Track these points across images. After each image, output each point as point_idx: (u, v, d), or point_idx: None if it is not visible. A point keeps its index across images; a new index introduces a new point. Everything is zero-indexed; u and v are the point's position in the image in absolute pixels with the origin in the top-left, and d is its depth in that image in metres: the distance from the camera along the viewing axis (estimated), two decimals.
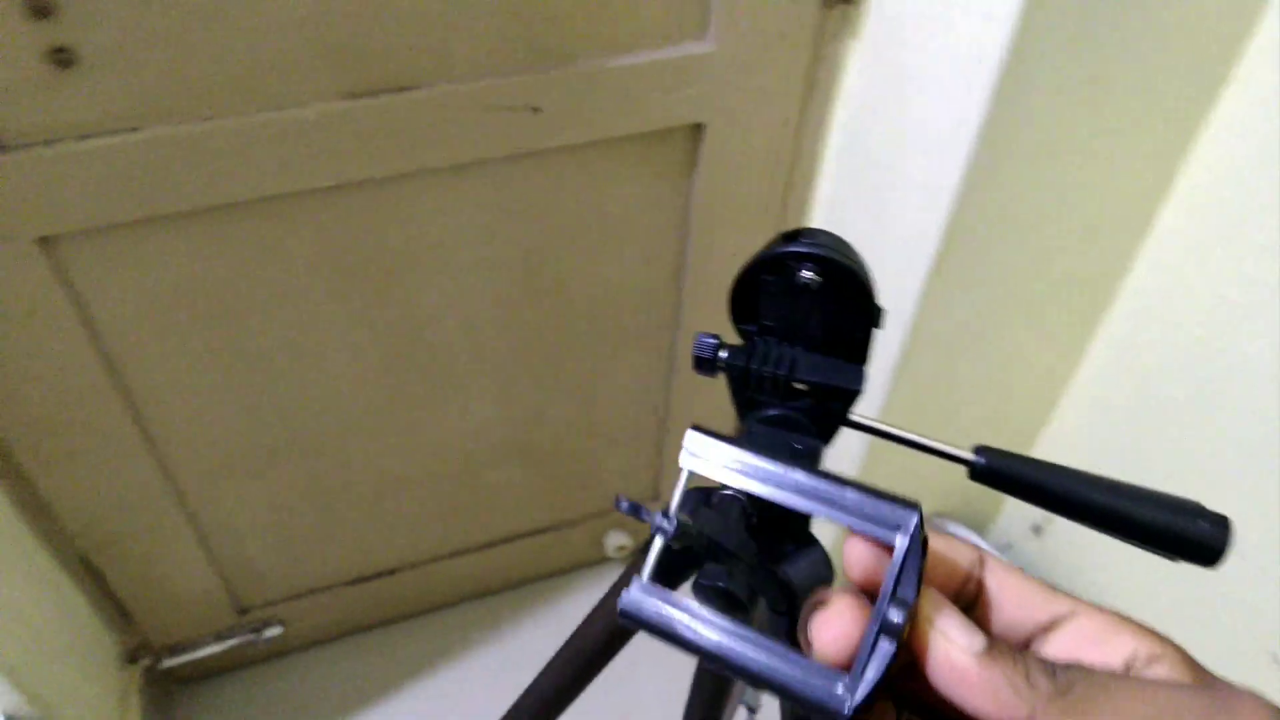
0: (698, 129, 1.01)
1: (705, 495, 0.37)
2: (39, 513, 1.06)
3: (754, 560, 0.36)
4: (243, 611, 1.35)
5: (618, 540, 1.51)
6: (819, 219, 1.13)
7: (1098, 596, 1.23)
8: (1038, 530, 1.33)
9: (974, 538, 1.31)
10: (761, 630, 0.32)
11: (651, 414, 1.37)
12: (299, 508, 1.24)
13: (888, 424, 0.39)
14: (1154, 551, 0.38)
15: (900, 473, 1.22)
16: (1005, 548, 1.39)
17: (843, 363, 0.38)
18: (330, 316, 1.03)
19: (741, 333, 0.40)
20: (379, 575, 1.40)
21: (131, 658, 1.31)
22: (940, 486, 1.31)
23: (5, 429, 0.97)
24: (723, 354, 0.39)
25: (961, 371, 1.13)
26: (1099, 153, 0.94)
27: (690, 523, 0.34)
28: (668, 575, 0.41)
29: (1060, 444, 1.26)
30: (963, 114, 0.85)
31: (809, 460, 0.38)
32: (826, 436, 0.39)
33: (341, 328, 1.05)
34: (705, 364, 0.39)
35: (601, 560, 1.56)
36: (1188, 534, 0.37)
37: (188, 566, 1.22)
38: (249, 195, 0.88)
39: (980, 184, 0.89)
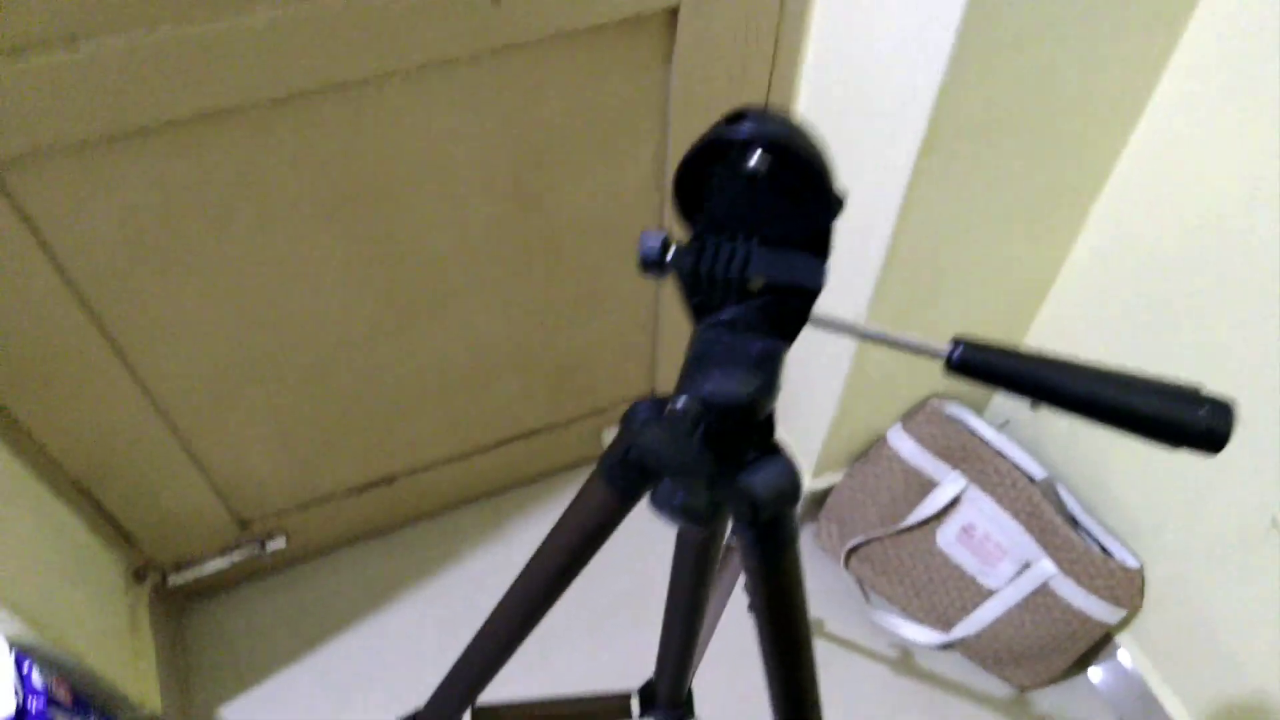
0: (672, 14, 0.95)
1: (658, 406, 0.35)
2: (23, 441, 1.05)
3: (711, 472, 0.33)
4: (244, 525, 1.35)
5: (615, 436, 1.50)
6: (804, 107, 1.07)
7: (1096, 465, 1.23)
8: (1035, 405, 1.31)
9: (972, 418, 1.30)
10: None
11: (645, 317, 1.35)
12: (295, 425, 1.22)
13: (856, 323, 0.36)
14: (1151, 441, 0.35)
15: (892, 357, 1.20)
16: (1004, 425, 1.38)
17: (802, 256, 0.35)
18: (316, 232, 0.99)
19: (692, 231, 0.36)
20: (379, 483, 1.40)
21: (138, 577, 1.32)
22: (937, 371, 1.28)
23: None
24: (670, 253, 0.35)
25: (949, 265, 1.08)
26: (1090, 34, 0.87)
27: (642, 440, 0.31)
28: (628, 490, 0.39)
29: (1053, 336, 1.23)
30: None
31: (769, 364, 0.35)
32: (789, 336, 0.36)
33: (331, 242, 1.01)
34: (652, 265, 0.35)
35: (599, 456, 1.56)
36: (1186, 423, 0.34)
37: (183, 486, 1.22)
38: (206, 107, 0.82)
39: (967, 67, 0.83)
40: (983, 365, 0.35)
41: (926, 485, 1.32)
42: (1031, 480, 1.25)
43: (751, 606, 0.44)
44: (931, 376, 1.30)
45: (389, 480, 1.40)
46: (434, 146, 0.96)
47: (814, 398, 1.30)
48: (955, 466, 1.29)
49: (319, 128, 0.90)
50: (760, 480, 0.36)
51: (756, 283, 0.35)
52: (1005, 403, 1.37)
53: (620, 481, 0.39)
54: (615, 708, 0.67)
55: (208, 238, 0.94)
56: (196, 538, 1.32)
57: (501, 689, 0.71)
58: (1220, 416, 0.33)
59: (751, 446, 0.36)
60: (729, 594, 0.69)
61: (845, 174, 1.01)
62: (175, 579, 1.35)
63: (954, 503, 1.30)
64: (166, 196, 0.89)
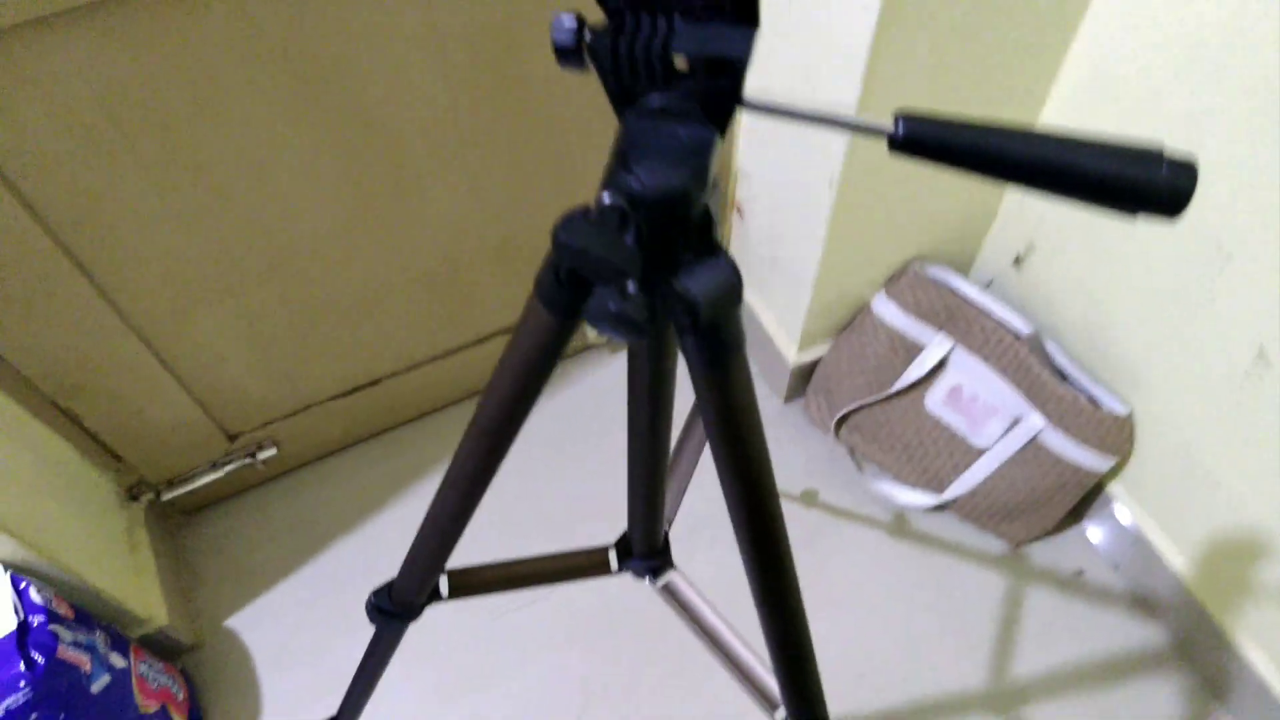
0: None
1: (586, 213, 0.33)
2: None
3: (644, 275, 0.31)
4: (232, 438, 1.34)
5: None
6: None
7: (1083, 316, 1.21)
8: (1018, 262, 1.29)
9: (955, 279, 1.28)
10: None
11: None
12: (271, 330, 1.20)
13: (790, 103, 0.33)
14: (1112, 209, 0.33)
15: (873, 218, 1.17)
16: (987, 284, 1.36)
17: (727, 28, 0.32)
18: (271, 118, 0.95)
19: (607, 9, 0.33)
20: (364, 386, 1.39)
21: (131, 495, 1.32)
22: (919, 228, 1.26)
23: None
24: (587, 36, 0.33)
25: (948, 56, 1.04)
26: None
27: (571, 245, 0.29)
28: (565, 308, 0.37)
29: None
30: None
31: (699, 152, 0.33)
32: (720, 121, 0.33)
33: (287, 130, 0.97)
34: (569, 53, 0.33)
35: (585, 348, 1.54)
36: (1147, 183, 0.32)
37: (164, 400, 1.21)
38: None
39: None
40: (930, 139, 0.32)
41: (913, 349, 1.31)
42: (1018, 337, 1.24)
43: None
44: (912, 238, 1.27)
45: (373, 383, 1.39)
46: (387, 12, 0.92)
47: (793, 270, 1.28)
48: (940, 329, 1.28)
49: (262, 4, 0.85)
50: (698, 281, 0.34)
51: (680, 61, 0.32)
52: (989, 261, 1.35)
53: (556, 299, 0.37)
54: (593, 562, 0.67)
55: (155, 132, 0.90)
56: (186, 453, 1.32)
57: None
58: (1182, 175, 0.31)
59: (687, 247, 0.34)
60: (701, 447, 0.68)
61: None
62: (169, 495, 1.35)
63: (941, 365, 1.29)
64: (104, 88, 0.85)
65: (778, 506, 0.44)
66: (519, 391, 0.41)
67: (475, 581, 0.65)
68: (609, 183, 0.32)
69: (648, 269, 0.32)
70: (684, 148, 0.32)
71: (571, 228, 0.30)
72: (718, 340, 0.36)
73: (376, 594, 0.61)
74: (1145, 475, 1.24)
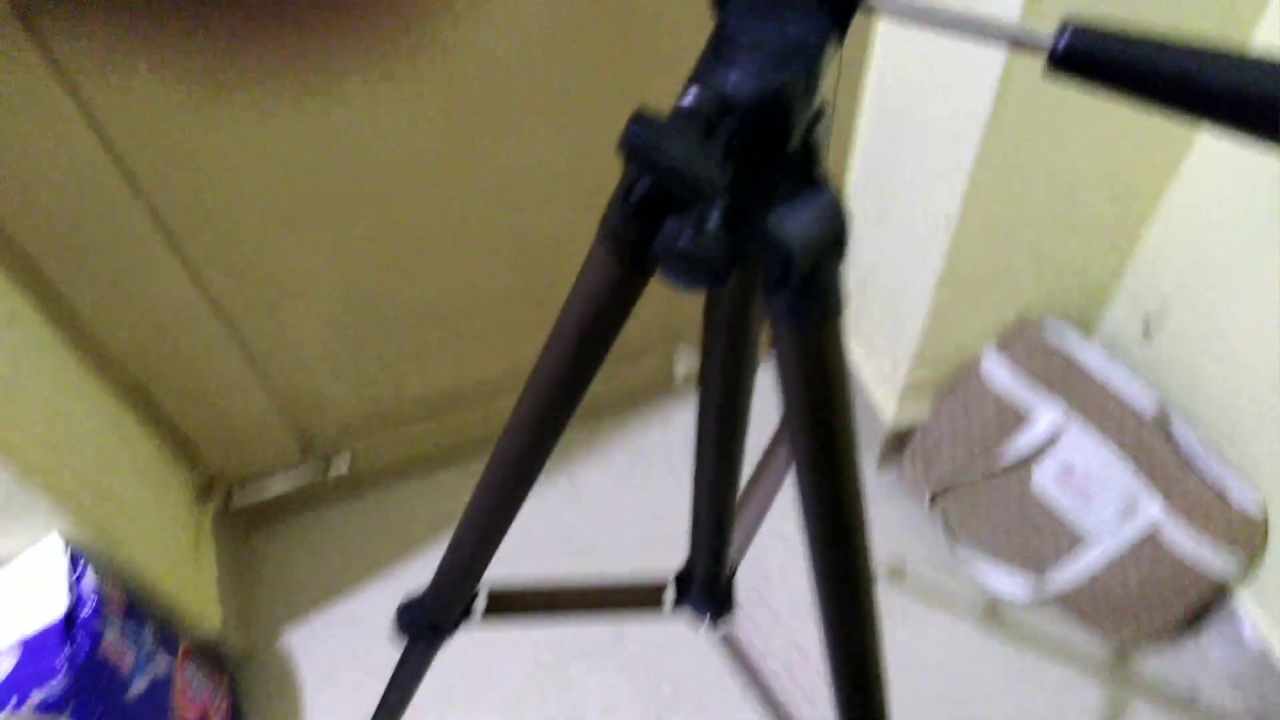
0: None
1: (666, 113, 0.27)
2: (83, 337, 1.03)
3: (722, 192, 0.25)
4: (308, 447, 1.33)
5: (689, 362, 1.43)
6: None
7: (1219, 395, 1.09)
8: (1148, 327, 1.18)
9: (1075, 343, 1.18)
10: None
11: None
12: (356, 335, 1.18)
13: (928, 6, 0.27)
14: None
15: (987, 260, 1.09)
16: (1110, 349, 1.25)
17: None
18: (369, 84, 0.93)
19: None
20: (444, 408, 1.36)
21: (202, 494, 1.31)
22: (1037, 280, 1.16)
23: (29, 241, 0.92)
24: None
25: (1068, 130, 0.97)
26: None
27: (644, 158, 0.23)
28: (634, 250, 0.31)
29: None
30: None
31: (809, 51, 0.26)
32: (840, 22, 0.27)
33: (380, 100, 0.95)
34: None
35: (669, 389, 1.49)
36: None
37: (244, 394, 1.20)
38: None
39: None
40: (1103, 53, 0.25)
41: (1021, 417, 1.21)
42: (1142, 414, 1.12)
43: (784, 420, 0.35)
44: (1030, 288, 1.18)
45: (453, 405, 1.36)
46: None
47: (899, 310, 1.20)
48: (1055, 397, 1.18)
49: None
50: (794, 219, 0.27)
51: None
52: (1115, 325, 1.24)
53: (622, 237, 0.31)
54: (647, 597, 0.59)
55: (256, 104, 0.89)
56: (260, 455, 1.31)
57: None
58: None
59: (785, 175, 0.28)
60: (781, 480, 0.60)
61: None
62: (240, 498, 1.33)
63: (1052, 438, 1.18)
64: (209, 59, 0.84)
65: (865, 536, 0.37)
66: (575, 360, 0.35)
67: (515, 603, 0.58)
68: (696, 78, 0.26)
69: (734, 193, 0.26)
70: (791, 45, 0.27)
71: (645, 127, 0.24)
72: (812, 298, 0.29)
73: (408, 603, 0.55)
74: (1277, 584, 1.10)
